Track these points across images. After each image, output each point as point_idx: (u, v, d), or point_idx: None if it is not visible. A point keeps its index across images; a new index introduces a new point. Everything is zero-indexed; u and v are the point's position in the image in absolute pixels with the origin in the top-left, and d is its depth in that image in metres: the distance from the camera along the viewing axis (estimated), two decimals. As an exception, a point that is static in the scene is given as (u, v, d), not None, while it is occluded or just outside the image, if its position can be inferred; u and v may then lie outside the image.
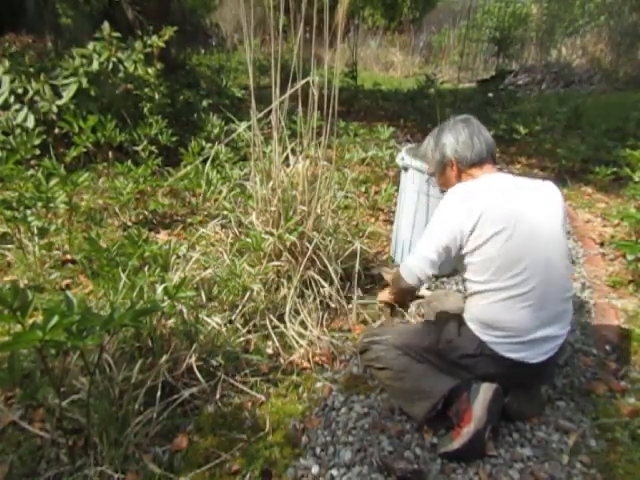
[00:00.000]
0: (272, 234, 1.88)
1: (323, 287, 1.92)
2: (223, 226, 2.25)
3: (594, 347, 1.81)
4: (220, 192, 2.67)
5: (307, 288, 1.92)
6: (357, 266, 1.98)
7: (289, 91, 1.81)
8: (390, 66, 11.24)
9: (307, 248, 1.86)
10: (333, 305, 1.95)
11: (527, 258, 1.33)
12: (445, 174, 1.56)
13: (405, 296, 1.69)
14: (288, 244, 1.89)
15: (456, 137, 1.50)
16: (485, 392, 1.35)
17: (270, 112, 1.88)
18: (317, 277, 1.90)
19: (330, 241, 2.03)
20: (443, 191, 1.57)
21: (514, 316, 1.34)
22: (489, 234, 1.33)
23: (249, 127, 2.00)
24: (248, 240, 1.86)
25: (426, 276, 1.47)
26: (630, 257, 2.26)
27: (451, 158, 1.51)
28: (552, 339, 1.37)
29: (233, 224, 2.15)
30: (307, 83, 1.84)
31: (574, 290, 1.45)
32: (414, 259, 1.48)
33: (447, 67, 10.77)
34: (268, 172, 2.00)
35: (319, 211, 1.95)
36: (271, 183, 1.97)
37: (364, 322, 1.95)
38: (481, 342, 1.38)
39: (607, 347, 1.81)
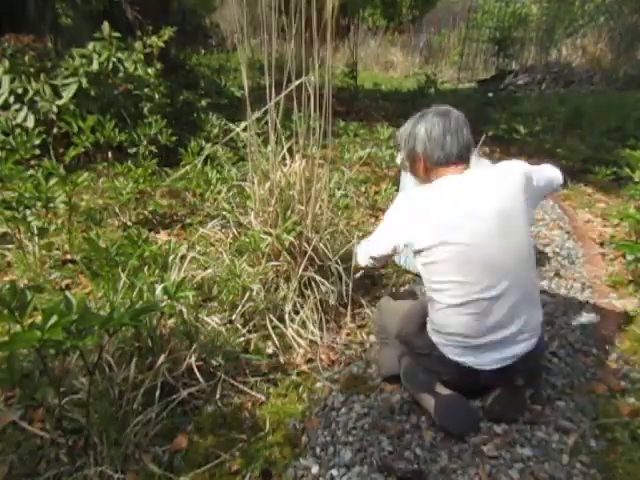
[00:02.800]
0: (270, 234, 1.88)
1: (323, 287, 1.91)
2: (223, 226, 2.25)
3: (594, 347, 1.81)
4: (220, 192, 2.67)
5: (307, 288, 1.91)
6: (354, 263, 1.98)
7: (285, 91, 1.81)
8: (390, 66, 11.24)
9: (305, 248, 1.86)
10: (333, 304, 1.95)
11: (474, 266, 1.33)
12: (414, 165, 1.53)
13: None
14: (287, 244, 1.88)
15: (429, 132, 1.43)
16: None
17: (267, 112, 1.88)
18: (317, 277, 1.90)
19: (328, 240, 2.03)
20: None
21: (459, 321, 1.37)
22: (431, 247, 1.35)
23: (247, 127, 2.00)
24: (246, 240, 1.85)
25: (368, 264, 1.64)
26: (630, 257, 2.26)
27: (419, 153, 1.46)
28: (506, 344, 1.37)
29: (232, 224, 2.15)
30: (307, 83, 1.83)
31: (537, 290, 1.48)
32: (360, 251, 1.66)
33: (447, 67, 10.77)
34: (265, 172, 1.99)
35: (317, 211, 1.95)
36: (268, 183, 1.97)
37: (363, 325, 1.95)
38: (431, 342, 1.45)
39: (607, 347, 1.81)
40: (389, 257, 1.62)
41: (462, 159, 1.43)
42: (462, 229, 1.33)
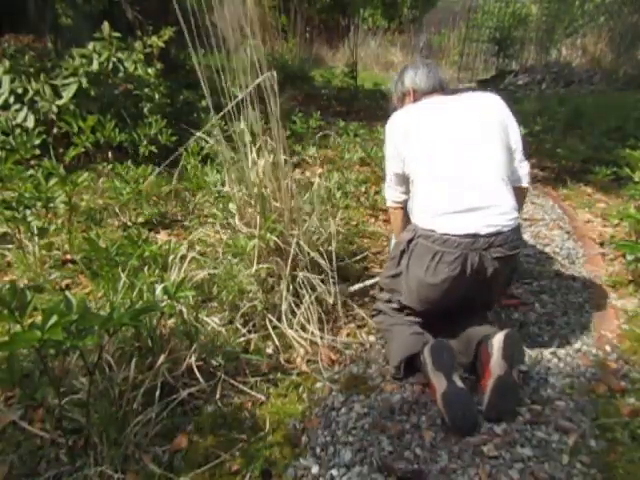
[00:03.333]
0: (254, 235, 1.87)
1: (319, 285, 1.90)
2: (222, 226, 2.25)
3: (594, 347, 1.81)
4: (216, 192, 2.68)
5: (301, 288, 1.90)
6: (334, 248, 1.97)
7: (248, 89, 1.81)
8: (390, 66, 11.23)
9: (288, 246, 1.85)
10: (332, 304, 1.95)
11: (438, 149, 1.60)
12: (404, 102, 1.87)
13: (398, 222, 1.96)
14: (272, 244, 1.88)
15: (415, 71, 1.83)
16: (497, 342, 1.47)
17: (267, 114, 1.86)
18: (309, 276, 1.89)
19: (317, 239, 2.02)
20: None
21: (431, 196, 1.58)
22: (408, 141, 1.65)
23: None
24: (231, 243, 1.85)
25: (396, 200, 1.88)
26: (630, 257, 2.26)
27: (409, 88, 1.83)
28: (482, 210, 1.50)
29: (219, 227, 2.14)
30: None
31: (508, 185, 1.60)
32: (386, 193, 1.92)
33: (447, 67, 10.77)
34: (239, 175, 1.98)
35: (291, 207, 1.93)
36: (244, 184, 1.96)
37: (363, 325, 1.95)
38: (411, 239, 1.60)
39: (607, 347, 1.81)
40: (403, 178, 1.76)
41: (443, 89, 1.82)
42: (432, 124, 1.64)
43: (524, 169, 1.72)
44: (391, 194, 1.88)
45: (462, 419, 1.41)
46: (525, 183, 1.73)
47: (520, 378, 1.55)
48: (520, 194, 1.70)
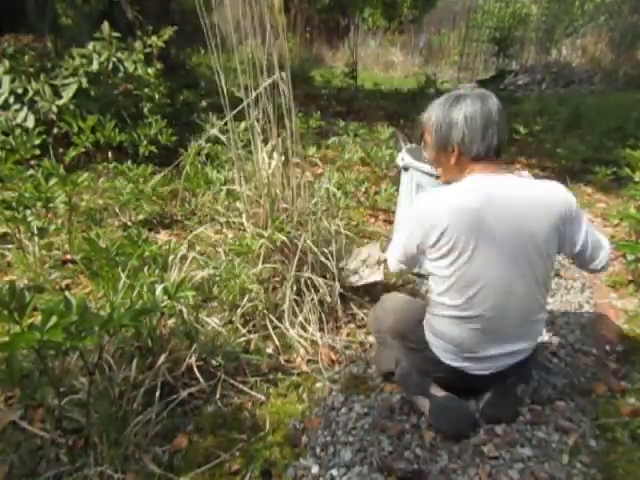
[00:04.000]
0: (262, 235, 1.87)
1: (320, 287, 1.91)
2: (226, 225, 2.25)
3: (594, 347, 1.81)
4: (220, 191, 2.67)
5: (307, 288, 1.91)
6: (334, 249, 1.96)
7: (259, 88, 1.80)
8: (390, 66, 11.23)
9: (295, 247, 1.85)
10: (333, 304, 1.95)
11: (482, 281, 1.27)
12: (444, 156, 1.38)
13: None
14: (278, 244, 1.88)
15: (470, 121, 1.28)
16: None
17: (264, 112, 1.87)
18: (313, 277, 1.89)
19: (321, 239, 2.02)
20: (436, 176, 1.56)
21: (460, 334, 1.35)
22: (445, 251, 1.28)
23: (246, 129, 1.99)
24: (238, 243, 1.85)
25: (398, 268, 1.57)
26: (630, 257, 2.26)
27: (454, 145, 1.32)
28: (503, 357, 1.37)
29: (223, 225, 2.14)
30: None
31: (545, 312, 1.43)
32: (389, 254, 1.59)
33: (447, 67, 10.76)
34: (249, 173, 1.98)
35: (299, 208, 1.93)
36: (253, 183, 1.96)
37: (363, 325, 1.95)
38: (426, 341, 1.44)
39: (607, 347, 1.81)
40: (414, 260, 1.50)
41: (499, 154, 1.33)
42: (475, 239, 1.24)
43: (597, 255, 1.38)
44: (396, 264, 1.56)
45: (456, 423, 1.41)
46: (599, 267, 1.41)
47: (524, 393, 1.53)
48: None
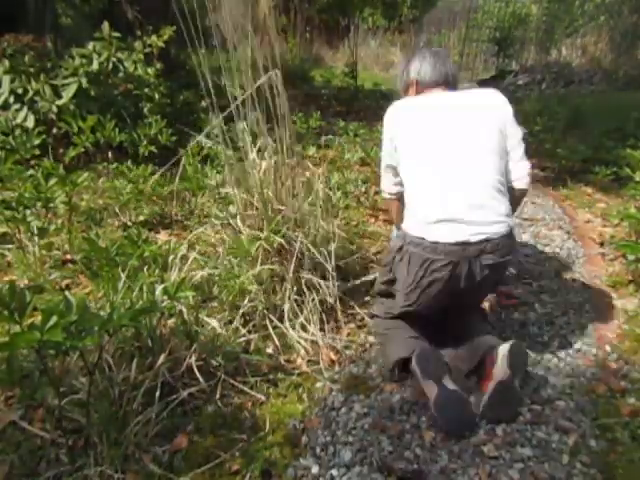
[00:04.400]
0: (259, 237, 1.86)
1: (320, 287, 1.91)
2: (223, 226, 2.25)
3: (594, 347, 1.81)
4: (215, 193, 2.67)
5: (308, 289, 1.91)
6: (332, 248, 1.97)
7: (250, 90, 1.80)
8: (390, 66, 11.23)
9: (293, 248, 1.85)
10: (333, 304, 1.95)
11: (430, 146, 1.57)
12: (407, 94, 1.80)
13: (394, 213, 1.93)
14: (275, 246, 1.87)
15: (421, 62, 1.73)
16: (503, 350, 1.47)
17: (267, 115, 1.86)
18: (313, 277, 1.89)
19: (318, 240, 2.01)
20: None
21: (423, 203, 1.56)
22: (401, 136, 1.63)
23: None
24: (234, 245, 1.84)
25: (391, 191, 1.83)
26: (630, 257, 2.26)
27: (413, 79, 1.75)
28: (475, 225, 1.48)
29: (221, 227, 2.14)
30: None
31: (504, 194, 1.58)
32: (381, 185, 1.87)
33: (447, 67, 10.74)
34: (240, 176, 1.97)
35: (295, 208, 1.93)
36: (244, 185, 1.95)
37: (363, 325, 1.95)
38: (401, 246, 1.58)
39: (607, 347, 1.81)
40: (400, 179, 1.72)
41: (448, 83, 1.71)
42: (425, 125, 1.60)
43: (521, 170, 1.65)
44: (386, 185, 1.84)
45: (457, 421, 1.42)
46: (522, 185, 1.66)
47: (521, 383, 1.54)
48: (516, 196, 1.67)
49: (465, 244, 1.46)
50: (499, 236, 1.49)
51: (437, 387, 1.44)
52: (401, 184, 1.75)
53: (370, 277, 2.12)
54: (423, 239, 1.50)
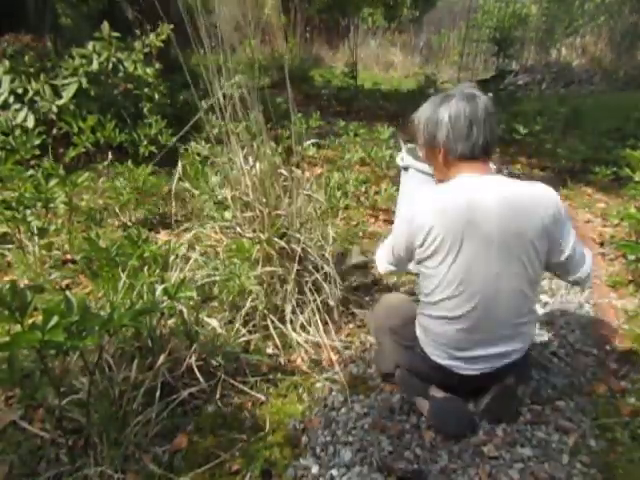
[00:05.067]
0: (259, 239, 1.85)
1: (321, 287, 1.90)
2: (222, 228, 2.25)
3: (594, 347, 1.81)
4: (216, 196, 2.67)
5: (310, 291, 1.90)
6: (329, 249, 1.96)
7: (221, 90, 1.79)
8: (390, 66, 11.24)
9: (294, 250, 1.85)
10: (333, 305, 1.95)
11: (467, 281, 1.27)
12: (432, 155, 1.41)
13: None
14: (277, 247, 1.87)
15: (453, 119, 1.29)
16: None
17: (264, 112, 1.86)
18: (313, 278, 1.89)
19: (316, 242, 2.01)
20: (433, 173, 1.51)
21: (447, 333, 1.35)
22: (431, 252, 1.29)
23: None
24: (234, 247, 1.84)
25: (387, 270, 1.62)
26: (630, 257, 2.26)
27: (440, 144, 1.33)
28: (493, 357, 1.36)
29: (218, 229, 2.13)
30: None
31: (534, 314, 1.43)
32: (378, 256, 1.66)
33: (447, 67, 10.77)
34: (234, 179, 1.97)
35: (294, 210, 1.92)
36: (235, 189, 1.95)
37: (363, 325, 1.95)
38: (416, 337, 1.46)
39: (607, 347, 1.81)
40: (403, 262, 1.52)
41: (487, 154, 1.32)
42: (461, 239, 1.24)
43: (578, 269, 1.37)
44: (383, 264, 1.62)
45: (455, 424, 1.42)
46: (583, 276, 1.39)
47: (524, 394, 1.54)
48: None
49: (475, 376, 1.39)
50: (511, 362, 1.38)
51: (427, 401, 1.45)
52: (402, 266, 1.58)
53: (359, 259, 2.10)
54: (434, 362, 1.40)
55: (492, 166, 1.42)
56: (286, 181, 1.94)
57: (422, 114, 1.39)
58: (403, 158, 2.26)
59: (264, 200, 1.87)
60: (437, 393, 1.45)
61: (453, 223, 1.25)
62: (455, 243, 1.25)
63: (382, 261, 1.61)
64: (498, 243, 1.25)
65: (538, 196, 1.28)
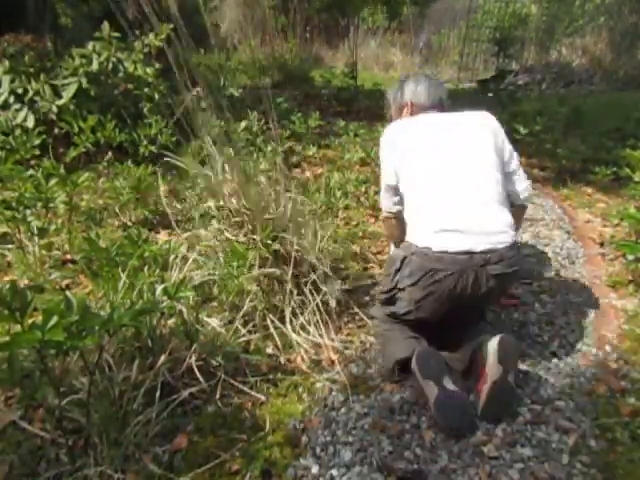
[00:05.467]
0: (254, 242, 1.85)
1: (320, 288, 1.90)
2: (217, 231, 2.24)
3: (594, 347, 1.81)
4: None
5: (305, 289, 1.90)
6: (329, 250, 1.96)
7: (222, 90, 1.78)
8: (390, 66, 11.23)
9: (289, 252, 1.85)
10: (333, 305, 1.95)
11: (434, 169, 1.61)
12: (402, 115, 1.88)
13: (392, 230, 1.94)
14: (271, 250, 1.86)
15: (416, 84, 1.83)
16: (492, 347, 1.45)
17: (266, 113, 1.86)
18: (312, 279, 1.89)
19: (311, 243, 2.00)
20: None
21: (427, 215, 1.57)
22: (406, 153, 1.66)
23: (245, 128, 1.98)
24: (230, 251, 1.84)
25: (390, 210, 1.84)
26: (630, 257, 2.26)
27: (408, 101, 1.84)
28: (478, 235, 1.49)
29: (215, 235, 2.12)
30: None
31: (505, 204, 1.62)
32: (381, 199, 1.89)
33: (447, 67, 10.77)
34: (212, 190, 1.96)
35: (289, 213, 1.92)
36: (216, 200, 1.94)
37: (363, 325, 1.95)
38: (405, 256, 1.57)
39: (607, 347, 1.81)
40: (397, 190, 1.75)
41: (442, 107, 1.81)
42: (427, 143, 1.65)
43: (522, 182, 1.72)
44: (386, 204, 1.86)
45: (457, 421, 1.41)
46: (522, 201, 1.75)
47: (518, 380, 1.54)
48: (517, 213, 1.71)
49: (470, 253, 1.47)
50: (503, 246, 1.50)
51: (437, 388, 1.44)
52: (401, 203, 1.77)
53: (369, 282, 2.11)
54: (429, 249, 1.50)
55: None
56: (277, 184, 1.94)
57: (392, 90, 1.96)
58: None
59: (247, 206, 1.86)
60: (448, 384, 1.45)
61: (417, 133, 1.68)
62: (420, 144, 1.65)
63: (385, 204, 1.86)
64: (455, 132, 1.66)
65: (483, 113, 1.74)
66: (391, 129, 1.77)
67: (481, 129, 1.67)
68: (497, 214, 1.55)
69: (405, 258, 1.57)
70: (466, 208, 1.54)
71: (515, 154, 1.72)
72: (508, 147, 1.70)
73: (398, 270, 1.60)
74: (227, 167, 1.89)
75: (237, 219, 1.92)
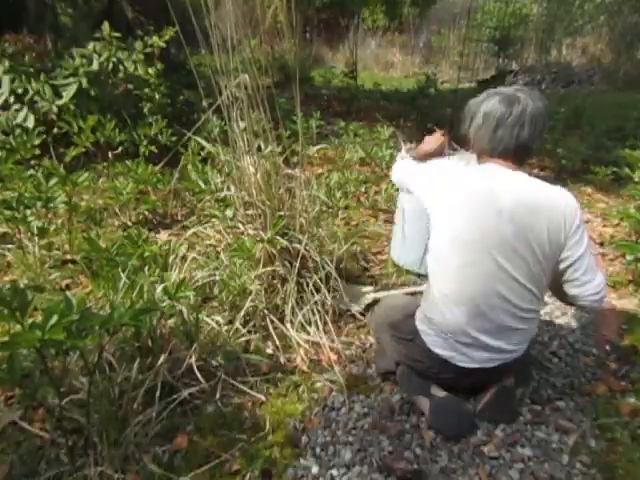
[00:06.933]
0: (262, 239, 1.85)
1: (321, 288, 1.91)
2: (223, 227, 2.25)
3: (594, 347, 1.81)
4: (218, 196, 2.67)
5: (313, 292, 1.90)
6: (335, 250, 1.96)
7: (229, 89, 1.79)
8: (390, 66, 11.24)
9: (297, 250, 1.85)
10: (333, 305, 1.95)
11: (469, 257, 1.31)
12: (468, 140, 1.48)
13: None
14: (278, 247, 1.87)
15: (483, 119, 1.33)
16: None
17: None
18: (314, 278, 1.89)
19: (317, 242, 2.01)
20: None
21: (445, 316, 1.37)
22: (441, 218, 1.37)
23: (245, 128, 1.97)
24: (236, 246, 1.84)
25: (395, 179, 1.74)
26: (630, 257, 2.26)
27: (470, 135, 1.40)
28: (488, 349, 1.36)
29: (221, 228, 2.13)
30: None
31: (535, 315, 1.40)
32: (395, 167, 1.78)
33: (447, 67, 10.77)
34: (239, 178, 1.97)
35: (298, 211, 1.92)
36: (239, 187, 1.94)
37: (363, 325, 1.95)
38: (416, 329, 1.47)
39: (607, 347, 1.81)
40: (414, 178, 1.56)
41: (507, 157, 1.33)
42: (484, 219, 1.29)
43: (589, 290, 1.33)
44: (395, 176, 1.75)
45: (456, 425, 1.41)
46: (594, 300, 1.35)
47: (523, 395, 1.54)
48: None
49: (473, 370, 1.39)
50: (511, 360, 1.39)
51: (427, 399, 1.45)
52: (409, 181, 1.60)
53: (383, 294, 2.09)
54: (431, 352, 1.42)
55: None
56: (290, 181, 1.94)
57: (472, 102, 1.42)
58: (403, 158, 2.26)
59: (267, 200, 1.87)
60: (438, 392, 1.45)
61: (468, 196, 1.32)
62: (462, 215, 1.32)
63: (394, 171, 1.76)
64: (502, 235, 1.27)
65: (554, 197, 1.29)
66: (452, 166, 1.44)
67: (543, 223, 1.26)
68: (509, 338, 1.36)
69: (417, 331, 1.47)
70: (481, 322, 1.33)
71: (581, 253, 1.30)
72: (577, 244, 1.29)
73: (410, 340, 1.50)
74: (254, 160, 1.90)
75: (251, 212, 1.92)
